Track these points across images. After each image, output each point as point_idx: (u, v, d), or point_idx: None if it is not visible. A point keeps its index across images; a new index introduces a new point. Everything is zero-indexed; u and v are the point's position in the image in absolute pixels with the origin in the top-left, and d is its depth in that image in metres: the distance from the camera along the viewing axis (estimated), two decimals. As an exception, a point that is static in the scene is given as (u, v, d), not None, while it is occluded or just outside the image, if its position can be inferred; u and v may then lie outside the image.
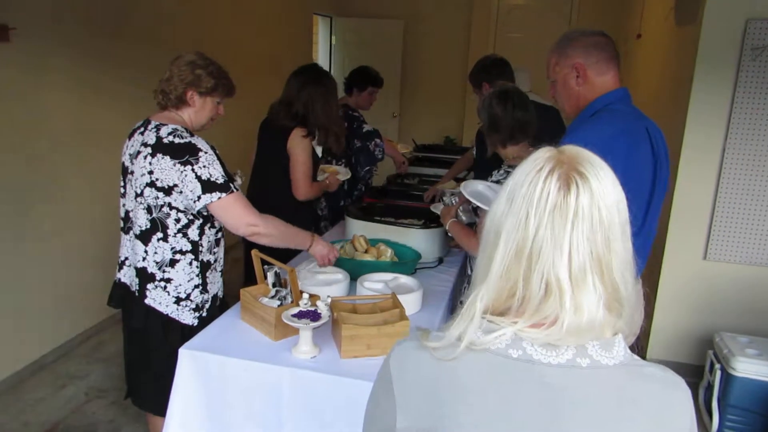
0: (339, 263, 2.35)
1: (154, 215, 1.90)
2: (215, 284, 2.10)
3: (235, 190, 1.91)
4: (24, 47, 2.85)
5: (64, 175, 3.22)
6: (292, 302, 1.90)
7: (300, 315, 1.80)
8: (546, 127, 2.81)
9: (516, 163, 2.12)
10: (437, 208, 2.63)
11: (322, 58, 7.20)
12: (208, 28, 4.46)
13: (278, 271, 2.03)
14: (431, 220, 2.80)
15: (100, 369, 3.16)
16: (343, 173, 3.14)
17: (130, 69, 3.63)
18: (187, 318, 1.99)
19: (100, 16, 3.36)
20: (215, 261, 2.08)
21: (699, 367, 3.16)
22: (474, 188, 2.10)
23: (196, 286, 2.00)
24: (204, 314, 2.04)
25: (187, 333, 1.93)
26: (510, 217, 0.78)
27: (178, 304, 1.97)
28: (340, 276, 2.27)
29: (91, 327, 3.50)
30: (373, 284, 2.18)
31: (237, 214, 1.91)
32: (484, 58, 2.84)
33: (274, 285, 2.01)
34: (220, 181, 1.87)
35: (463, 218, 2.39)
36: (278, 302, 1.91)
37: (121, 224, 2.05)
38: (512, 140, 2.14)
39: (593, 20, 6.31)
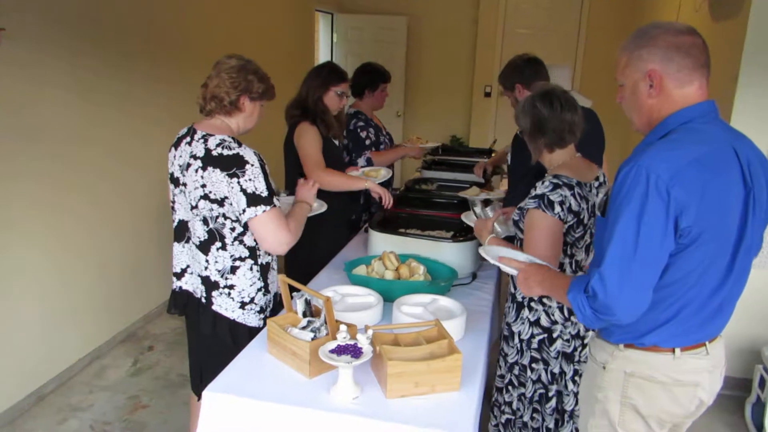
0: (369, 284, 2.15)
1: (211, 226, 1.92)
2: (275, 283, 2.11)
3: (275, 205, 1.90)
4: (15, 49, 2.62)
5: (61, 185, 2.99)
6: (327, 334, 1.71)
7: (339, 350, 1.61)
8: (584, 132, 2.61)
9: (561, 172, 1.98)
10: (469, 218, 2.44)
11: (323, 57, 6.96)
12: (202, 25, 4.23)
13: (309, 297, 1.83)
14: (460, 232, 2.60)
15: (104, 399, 2.93)
16: (384, 173, 2.98)
17: (130, 71, 3.41)
18: (253, 321, 2.03)
19: (94, 16, 3.13)
20: (273, 260, 2.10)
21: (745, 381, 2.98)
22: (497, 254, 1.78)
23: (259, 289, 2.03)
24: (268, 314, 2.06)
25: (254, 334, 1.96)
26: None
27: (243, 309, 2.00)
28: (372, 299, 2.07)
29: (90, 352, 3.27)
30: (412, 308, 1.98)
31: (273, 230, 1.89)
32: (516, 57, 2.62)
33: (304, 314, 1.81)
34: (264, 194, 1.86)
35: (499, 230, 2.20)
36: (311, 334, 1.71)
37: (174, 233, 2.04)
38: (561, 142, 1.95)
39: (609, 15, 6.11)
